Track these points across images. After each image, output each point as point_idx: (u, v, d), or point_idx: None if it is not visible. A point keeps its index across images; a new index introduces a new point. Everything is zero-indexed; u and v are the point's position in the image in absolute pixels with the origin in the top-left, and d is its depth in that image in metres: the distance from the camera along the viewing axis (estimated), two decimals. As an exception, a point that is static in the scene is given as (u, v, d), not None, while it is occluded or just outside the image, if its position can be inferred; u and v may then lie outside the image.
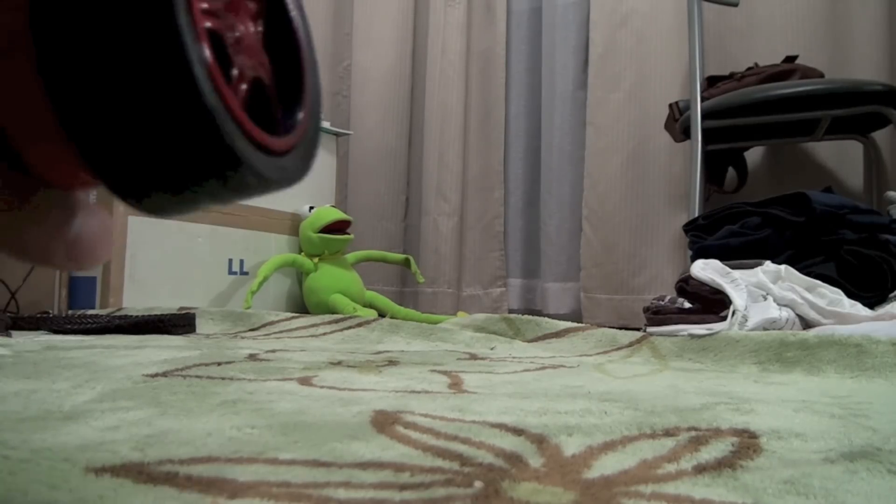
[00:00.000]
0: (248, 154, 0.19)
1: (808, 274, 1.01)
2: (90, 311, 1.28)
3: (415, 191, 2.24)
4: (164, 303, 1.40)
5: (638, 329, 1.05)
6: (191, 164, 0.18)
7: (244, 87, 0.20)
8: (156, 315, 1.12)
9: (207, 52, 0.18)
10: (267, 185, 0.20)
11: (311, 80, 0.24)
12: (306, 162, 0.23)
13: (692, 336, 0.91)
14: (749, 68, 1.58)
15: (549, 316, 1.49)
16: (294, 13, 0.24)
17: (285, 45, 0.23)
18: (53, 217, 0.20)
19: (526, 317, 1.15)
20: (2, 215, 0.19)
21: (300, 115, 0.23)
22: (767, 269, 1.02)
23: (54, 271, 1.45)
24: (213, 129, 0.17)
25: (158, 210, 0.19)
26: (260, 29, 0.22)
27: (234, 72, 0.19)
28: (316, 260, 1.81)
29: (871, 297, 1.04)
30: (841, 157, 1.69)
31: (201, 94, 0.17)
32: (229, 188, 0.19)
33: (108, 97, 0.17)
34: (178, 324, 1.12)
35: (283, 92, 0.23)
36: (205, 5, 0.18)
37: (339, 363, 0.74)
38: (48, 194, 0.20)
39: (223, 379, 0.58)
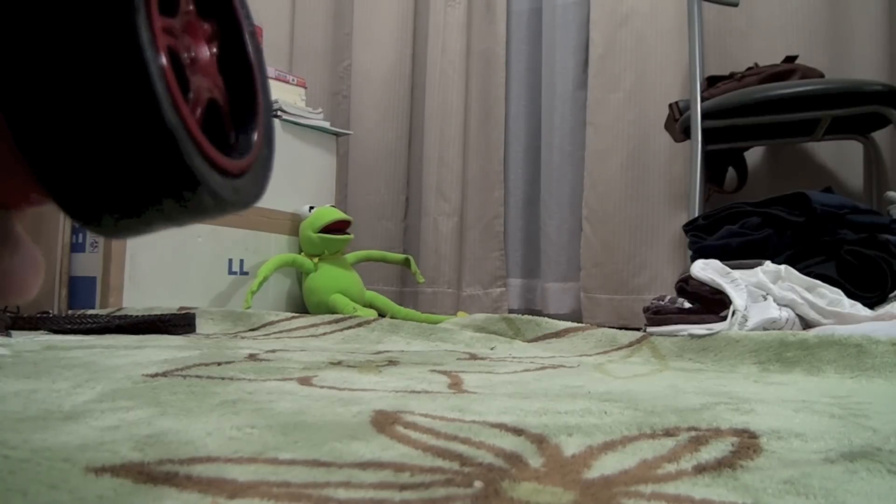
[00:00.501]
0: (206, 174, 0.18)
1: (808, 274, 1.01)
2: (90, 311, 1.28)
3: (415, 191, 2.24)
4: (164, 303, 1.40)
5: (638, 329, 1.04)
6: (148, 184, 0.17)
7: (199, 108, 0.20)
8: (156, 315, 1.12)
9: (167, 68, 0.17)
10: (223, 206, 0.20)
11: (263, 103, 0.24)
12: (261, 184, 0.23)
13: (692, 336, 0.91)
14: (749, 68, 1.58)
15: (549, 316, 1.49)
16: (247, 35, 0.24)
17: (238, 67, 0.23)
18: None
19: (526, 317, 1.15)
20: None
21: (254, 137, 0.23)
22: (767, 269, 1.02)
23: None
24: (173, 147, 0.17)
25: (113, 232, 0.19)
26: (214, 51, 0.22)
27: (191, 93, 0.19)
28: (316, 260, 1.81)
29: (871, 298, 1.04)
30: (841, 157, 1.69)
31: (161, 111, 0.17)
32: (186, 209, 0.19)
33: (65, 111, 0.16)
34: (178, 324, 1.12)
35: (237, 114, 0.23)
36: (163, 24, 0.18)
37: (339, 363, 0.74)
38: None
39: (223, 379, 0.58)
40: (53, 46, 0.16)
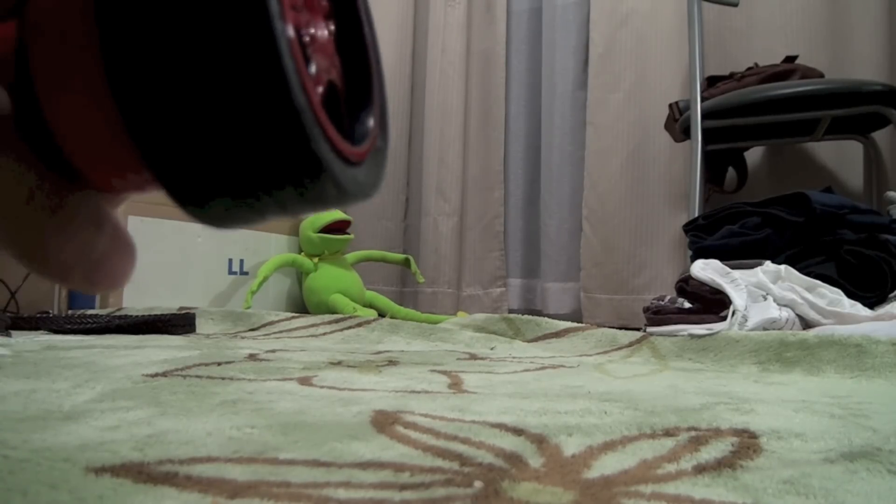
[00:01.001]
0: (331, 161, 0.17)
1: (808, 274, 1.01)
2: (90, 311, 1.28)
3: (415, 191, 2.24)
4: (164, 303, 1.40)
5: (638, 329, 1.05)
6: (268, 168, 0.16)
7: (321, 90, 0.18)
8: (156, 315, 1.12)
9: (295, 43, 0.15)
10: (344, 196, 0.18)
11: (378, 87, 0.22)
12: (378, 174, 0.20)
13: (692, 336, 0.91)
14: (749, 68, 1.58)
15: (549, 316, 1.49)
16: (363, 14, 0.22)
17: (354, 48, 0.21)
18: (82, 229, 0.18)
19: (526, 317, 1.15)
20: (26, 220, 0.17)
21: (370, 124, 0.21)
22: (767, 269, 1.02)
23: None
24: (299, 128, 0.15)
25: (220, 220, 0.17)
26: (332, 28, 0.20)
27: (312, 73, 0.17)
28: (316, 260, 1.81)
29: (871, 298, 1.04)
30: (841, 157, 1.69)
31: (290, 88, 0.15)
32: (304, 197, 0.17)
33: (178, 83, 0.14)
34: (178, 324, 1.12)
35: (353, 98, 0.21)
36: None
37: (339, 363, 0.74)
38: (81, 199, 0.18)
39: (223, 379, 0.58)
40: (169, 9, 0.14)
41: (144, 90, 0.15)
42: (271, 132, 0.15)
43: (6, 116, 0.16)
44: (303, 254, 1.84)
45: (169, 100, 0.15)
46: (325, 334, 1.14)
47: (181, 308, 1.29)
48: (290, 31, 0.15)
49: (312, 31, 0.18)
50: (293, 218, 0.19)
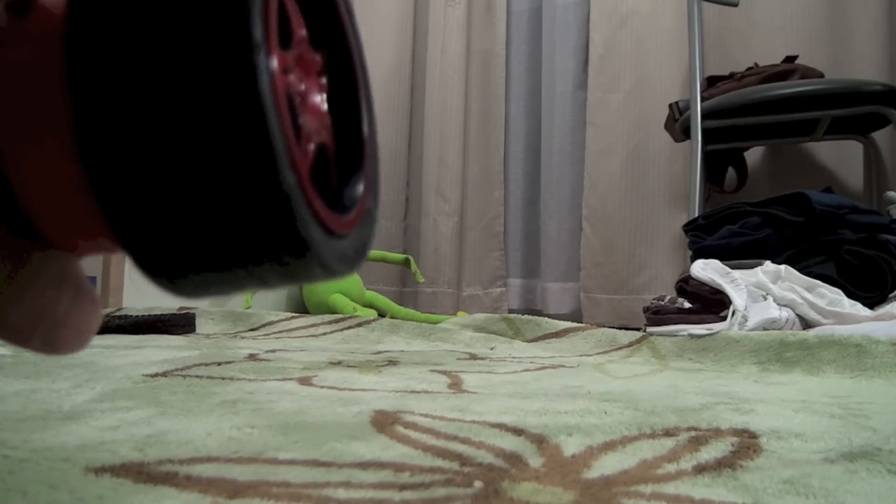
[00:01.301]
0: (318, 241, 0.15)
1: (808, 274, 1.01)
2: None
3: (415, 191, 2.24)
4: (164, 303, 1.40)
5: (638, 329, 1.05)
6: (248, 245, 0.14)
7: (309, 156, 0.16)
8: (156, 315, 1.12)
9: (286, 117, 0.14)
10: (329, 274, 0.16)
11: (370, 147, 0.21)
12: (365, 243, 0.19)
13: (692, 336, 0.91)
14: (749, 68, 1.58)
15: (549, 316, 1.49)
16: (358, 68, 0.20)
17: (346, 105, 0.20)
18: (41, 293, 0.16)
19: (526, 317, 1.15)
20: None
21: (360, 189, 0.19)
22: (767, 269, 1.02)
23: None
24: (286, 211, 0.14)
25: (192, 292, 0.16)
26: (324, 85, 0.19)
27: (302, 140, 0.16)
28: (316, 260, 1.81)
29: (871, 298, 1.04)
30: (841, 157, 1.69)
31: (278, 170, 0.13)
32: (287, 275, 0.16)
33: (153, 149, 0.13)
34: (178, 324, 1.12)
35: (343, 159, 0.19)
36: (281, 59, 0.15)
37: (339, 363, 0.74)
38: (41, 261, 0.16)
39: (223, 379, 0.58)
40: (149, 61, 0.13)
41: (116, 155, 0.13)
42: (254, 211, 0.14)
43: None
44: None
45: (141, 166, 0.13)
46: (325, 334, 1.14)
47: (181, 308, 1.29)
48: (282, 107, 0.14)
49: (304, 90, 0.17)
50: (270, 290, 0.18)
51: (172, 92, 0.13)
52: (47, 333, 0.17)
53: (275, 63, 0.14)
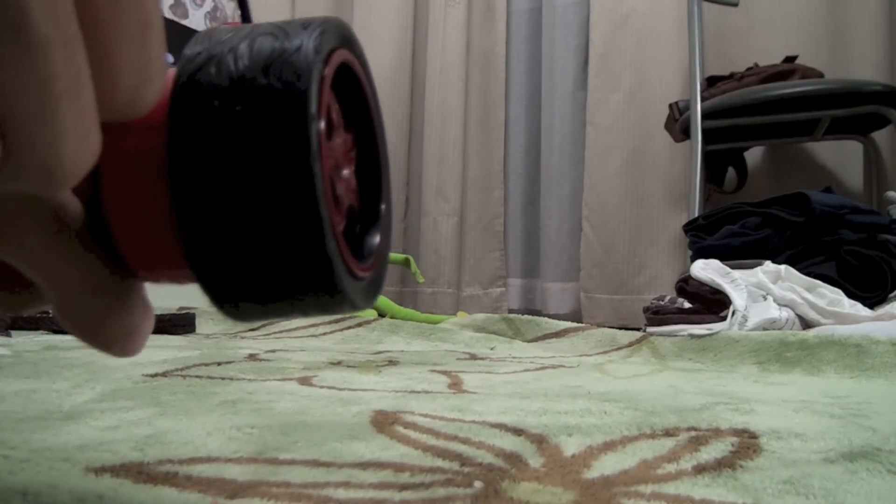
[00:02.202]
0: (347, 284, 0.19)
1: (808, 274, 1.01)
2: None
3: (415, 191, 2.24)
4: (164, 303, 1.40)
5: (638, 329, 1.05)
6: (296, 286, 0.19)
7: (342, 215, 0.21)
8: (156, 315, 1.12)
9: (331, 199, 0.18)
10: (353, 307, 0.21)
11: (386, 205, 0.25)
12: (379, 282, 0.23)
13: (692, 336, 0.91)
14: (749, 68, 1.58)
15: (549, 316, 1.49)
16: (380, 140, 0.24)
17: (369, 171, 0.24)
18: (130, 311, 0.21)
19: (526, 317, 1.15)
20: (89, 304, 0.20)
21: (377, 241, 0.23)
22: (767, 269, 1.02)
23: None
24: (328, 268, 0.18)
25: (243, 317, 0.20)
26: (353, 155, 0.23)
27: (339, 206, 0.20)
28: (316, 260, 1.81)
29: (871, 298, 1.04)
30: (841, 157, 1.69)
31: (325, 244, 0.18)
32: (321, 307, 0.20)
33: (232, 214, 0.17)
34: (178, 324, 1.12)
35: (365, 217, 0.23)
36: (328, 151, 0.19)
37: (338, 363, 0.74)
38: (132, 286, 0.21)
39: (223, 379, 0.58)
40: (234, 161, 0.17)
41: (202, 213, 0.18)
42: (304, 265, 0.18)
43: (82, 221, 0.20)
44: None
45: (222, 220, 0.17)
46: (324, 334, 1.14)
47: (181, 308, 1.29)
48: (327, 185, 0.18)
49: (341, 168, 0.21)
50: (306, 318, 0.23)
51: (251, 180, 0.17)
52: (125, 343, 0.21)
53: (323, 163, 0.18)
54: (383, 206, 0.24)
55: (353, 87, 0.22)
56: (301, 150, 0.17)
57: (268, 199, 0.17)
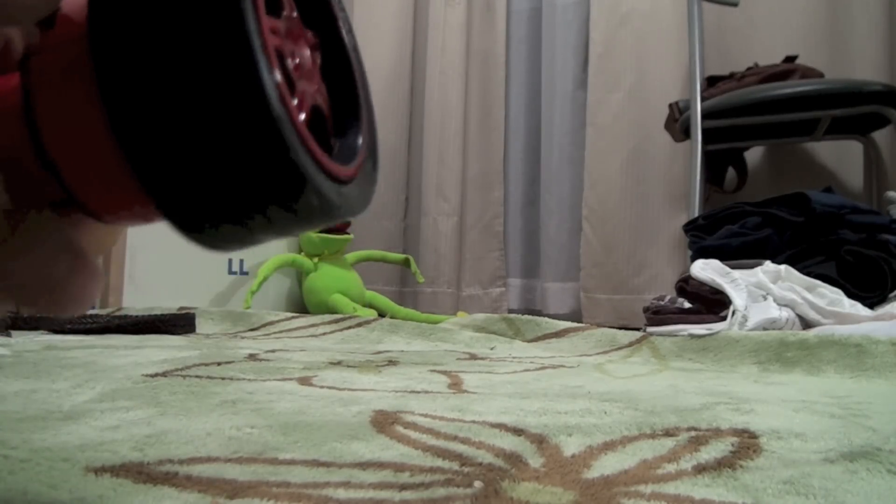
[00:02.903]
0: (314, 174, 0.18)
1: (808, 274, 1.01)
2: (90, 311, 1.28)
3: (414, 190, 2.24)
4: (164, 303, 1.40)
5: (638, 329, 1.04)
6: (255, 184, 0.17)
7: (305, 112, 0.19)
8: (156, 315, 1.12)
9: (274, 58, 0.17)
10: (331, 210, 0.19)
11: (366, 113, 0.24)
12: (366, 194, 0.22)
13: (692, 336, 0.91)
14: (749, 68, 1.58)
15: (548, 316, 1.49)
16: (349, 47, 0.23)
17: (341, 77, 0.23)
18: (43, 252, 0.19)
19: (526, 317, 1.15)
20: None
21: (358, 145, 0.22)
22: (767, 269, 1.02)
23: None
24: (279, 138, 0.16)
25: (219, 243, 0.18)
26: (318, 58, 0.22)
27: (296, 99, 0.18)
28: (316, 260, 1.81)
29: (871, 298, 1.04)
30: (841, 157, 1.69)
31: (267, 100, 0.16)
32: (293, 213, 0.18)
33: (171, 112, 0.16)
34: (178, 324, 1.12)
35: (340, 122, 0.22)
36: (270, 24, 0.17)
37: (338, 363, 0.74)
38: (39, 224, 0.19)
39: (223, 379, 0.58)
40: (159, 45, 0.15)
41: (142, 123, 0.16)
42: (254, 146, 0.16)
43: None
44: (303, 254, 1.84)
45: (160, 125, 0.16)
46: (324, 334, 1.14)
47: (181, 308, 1.29)
48: (269, 51, 0.16)
49: (297, 58, 0.19)
50: (286, 236, 0.20)
51: (175, 45, 0.15)
52: (50, 294, 0.19)
53: (263, 19, 0.16)
54: (363, 113, 0.23)
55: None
56: (233, 17, 0.15)
57: (204, 81, 0.15)
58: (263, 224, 0.18)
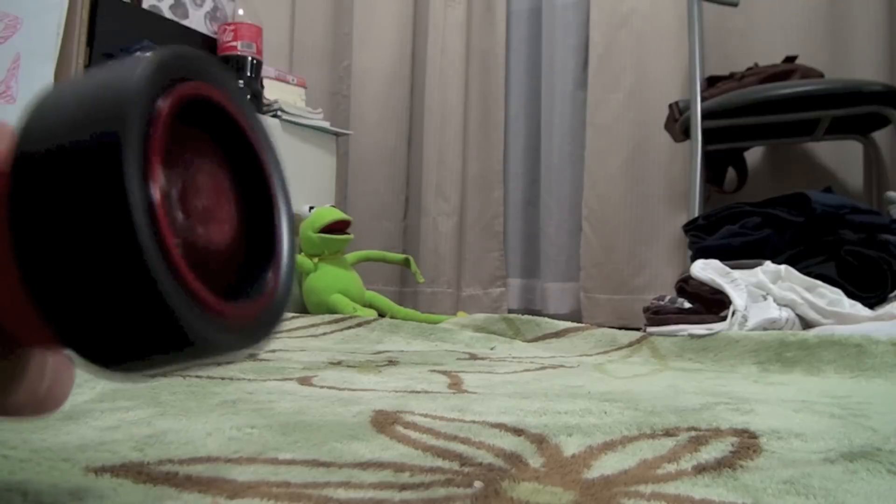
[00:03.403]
0: (200, 328, 0.18)
1: (808, 274, 1.01)
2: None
3: (414, 190, 2.24)
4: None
5: (638, 329, 1.04)
6: (141, 336, 0.18)
7: (197, 251, 0.20)
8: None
9: (159, 210, 0.18)
10: (212, 349, 0.19)
11: (282, 236, 0.23)
12: (269, 328, 0.22)
13: (692, 336, 0.91)
14: (749, 68, 1.58)
15: (548, 316, 1.49)
16: (266, 157, 0.23)
17: (256, 195, 0.23)
18: (29, 376, 0.21)
19: (526, 317, 1.15)
20: None
21: (268, 277, 0.22)
22: (767, 269, 1.02)
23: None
24: (153, 289, 0.17)
25: (124, 375, 0.19)
26: (225, 177, 0.22)
27: (181, 242, 0.19)
28: (316, 260, 1.81)
29: (871, 298, 1.03)
30: (841, 157, 1.69)
31: (144, 258, 0.17)
32: (184, 359, 0.19)
33: (63, 262, 0.17)
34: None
35: (252, 251, 0.22)
36: (164, 168, 0.18)
37: (339, 363, 0.74)
38: (24, 352, 0.20)
39: (223, 379, 0.58)
40: (58, 205, 0.17)
41: (48, 279, 0.17)
42: (136, 302, 0.17)
43: None
44: (303, 254, 1.84)
45: (55, 269, 0.17)
46: (325, 334, 1.14)
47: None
48: (154, 207, 0.17)
49: (197, 201, 0.20)
50: (189, 369, 0.21)
51: (78, 231, 0.17)
52: (36, 407, 0.21)
53: (155, 207, 0.17)
54: (279, 241, 0.23)
55: (220, 119, 0.21)
56: (115, 199, 0.17)
57: (93, 246, 0.17)
58: (160, 366, 0.19)
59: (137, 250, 0.17)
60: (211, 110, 0.21)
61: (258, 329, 0.21)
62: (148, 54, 0.18)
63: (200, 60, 0.20)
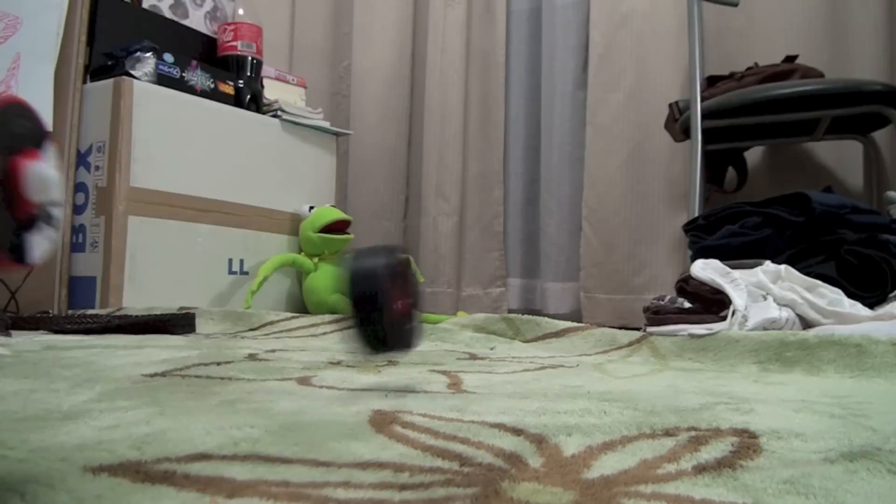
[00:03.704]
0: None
1: (808, 274, 1.01)
2: (90, 311, 1.28)
3: (414, 190, 2.24)
4: (164, 303, 1.40)
5: (638, 329, 1.04)
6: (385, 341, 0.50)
7: None
8: (156, 315, 1.12)
9: None
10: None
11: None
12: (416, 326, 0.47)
13: (692, 336, 0.90)
14: (749, 68, 1.58)
15: (548, 316, 1.49)
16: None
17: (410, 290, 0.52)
18: None
19: (526, 317, 1.15)
20: None
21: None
22: (767, 269, 1.02)
23: (55, 270, 1.45)
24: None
25: (391, 354, 0.33)
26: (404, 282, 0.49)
27: None
28: (316, 260, 1.81)
29: (871, 298, 1.03)
30: (841, 157, 1.69)
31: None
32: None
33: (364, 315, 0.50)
34: (178, 324, 1.12)
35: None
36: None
37: (338, 363, 0.74)
38: None
39: (223, 379, 0.58)
40: None
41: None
42: None
43: None
44: (303, 254, 1.84)
45: None
46: (325, 334, 1.14)
47: (181, 308, 1.29)
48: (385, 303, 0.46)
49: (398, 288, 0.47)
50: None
51: None
52: None
53: None
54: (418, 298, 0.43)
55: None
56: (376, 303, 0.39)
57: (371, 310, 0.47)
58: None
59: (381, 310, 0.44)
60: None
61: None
62: (383, 258, 0.50)
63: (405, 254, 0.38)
